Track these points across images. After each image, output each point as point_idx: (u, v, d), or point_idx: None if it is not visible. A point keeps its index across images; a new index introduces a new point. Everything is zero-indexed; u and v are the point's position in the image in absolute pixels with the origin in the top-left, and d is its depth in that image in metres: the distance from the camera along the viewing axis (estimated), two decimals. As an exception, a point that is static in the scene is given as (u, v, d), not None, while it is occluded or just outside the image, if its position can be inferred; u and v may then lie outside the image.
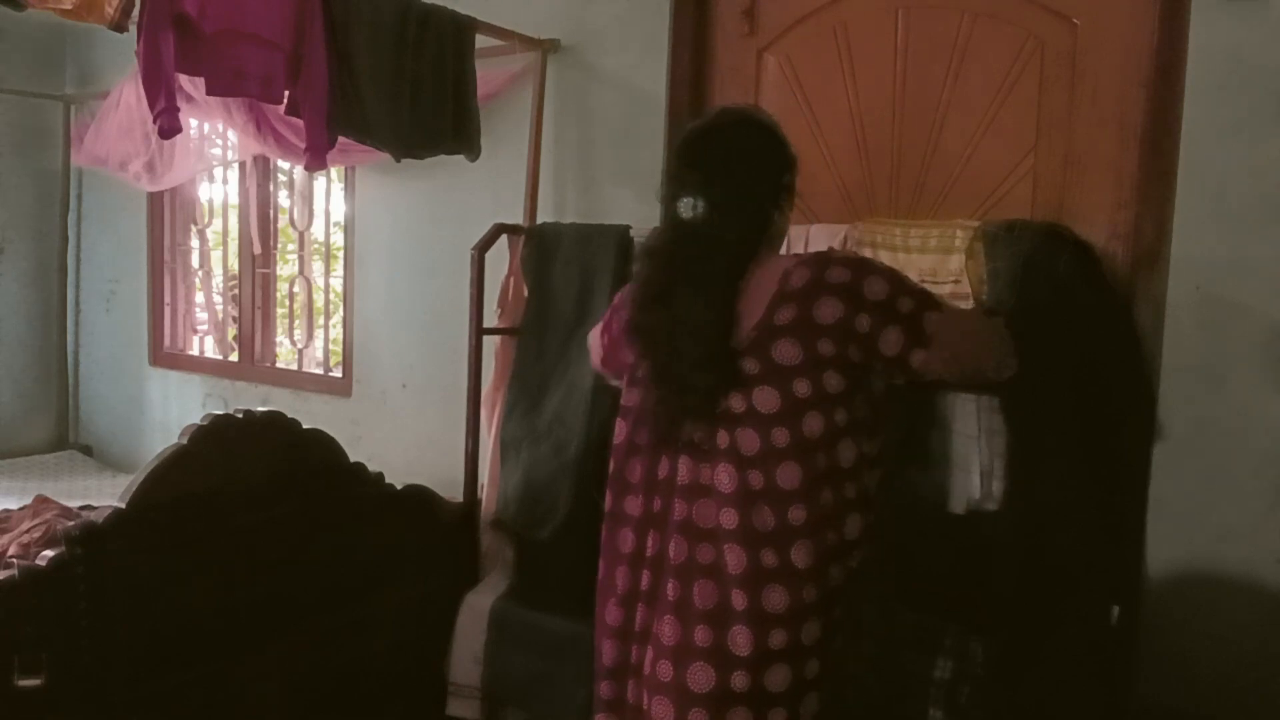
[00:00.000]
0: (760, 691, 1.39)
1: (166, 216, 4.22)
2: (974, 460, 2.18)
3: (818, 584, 1.40)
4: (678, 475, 1.47)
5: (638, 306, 1.55)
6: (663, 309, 1.49)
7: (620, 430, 1.61)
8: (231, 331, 4.16)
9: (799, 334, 1.39)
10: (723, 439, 1.42)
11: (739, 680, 1.38)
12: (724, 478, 1.41)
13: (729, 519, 1.41)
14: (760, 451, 1.40)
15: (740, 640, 1.38)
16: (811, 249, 2.29)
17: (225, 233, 4.07)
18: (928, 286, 2.15)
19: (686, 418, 1.45)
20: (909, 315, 1.41)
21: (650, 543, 1.49)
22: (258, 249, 3.83)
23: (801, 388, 1.38)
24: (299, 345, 3.85)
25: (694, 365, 1.43)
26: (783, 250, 1.67)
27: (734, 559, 1.40)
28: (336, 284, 3.80)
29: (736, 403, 1.42)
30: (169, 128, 2.10)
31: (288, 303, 3.91)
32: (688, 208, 1.50)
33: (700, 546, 1.43)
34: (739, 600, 1.39)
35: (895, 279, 1.45)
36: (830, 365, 1.39)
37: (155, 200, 4.19)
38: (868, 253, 2.24)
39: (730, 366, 1.42)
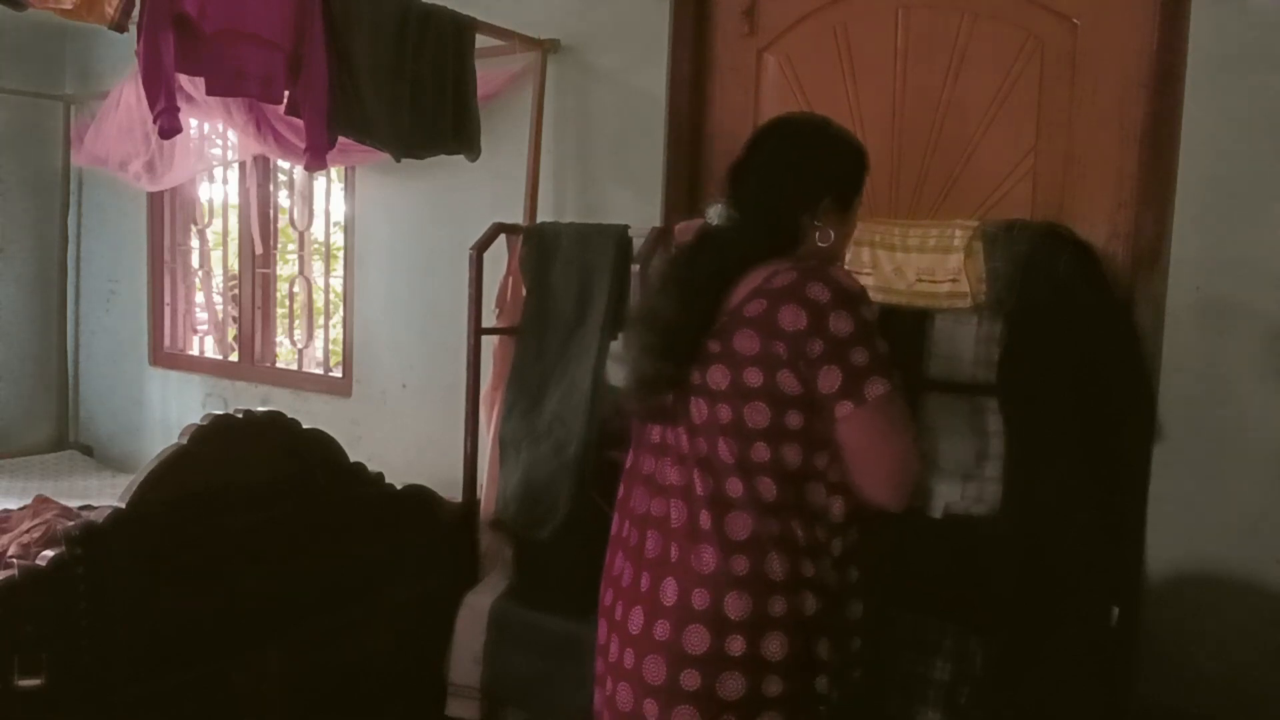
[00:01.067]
0: (710, 695, 1.36)
1: (166, 216, 4.22)
2: (974, 460, 2.18)
3: (750, 560, 1.36)
4: (644, 468, 1.50)
5: (637, 306, 1.57)
6: (647, 304, 1.51)
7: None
8: (231, 331, 4.16)
9: (759, 329, 1.37)
10: (682, 409, 1.43)
11: (689, 679, 1.37)
12: (682, 441, 1.43)
13: (675, 475, 1.43)
14: (704, 422, 1.40)
15: (667, 591, 1.39)
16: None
17: (225, 233, 4.07)
18: (926, 286, 2.18)
19: (653, 415, 1.47)
20: (858, 368, 1.35)
21: (631, 534, 1.51)
22: (258, 249, 3.83)
23: (752, 377, 1.36)
24: (299, 345, 3.85)
25: (654, 355, 1.44)
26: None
27: (675, 515, 1.41)
28: (336, 284, 3.80)
29: (695, 377, 1.42)
30: (169, 128, 2.10)
31: (288, 303, 3.91)
32: (715, 214, 1.49)
33: (654, 500, 1.46)
34: (673, 553, 1.40)
35: (865, 329, 1.37)
36: (784, 366, 1.36)
37: (155, 200, 4.19)
38: (866, 253, 2.24)
39: (688, 354, 1.42)
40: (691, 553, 1.38)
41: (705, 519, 1.38)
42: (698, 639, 1.36)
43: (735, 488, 1.37)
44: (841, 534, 1.41)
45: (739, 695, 1.35)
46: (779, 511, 1.37)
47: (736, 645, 1.35)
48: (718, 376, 1.39)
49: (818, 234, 1.48)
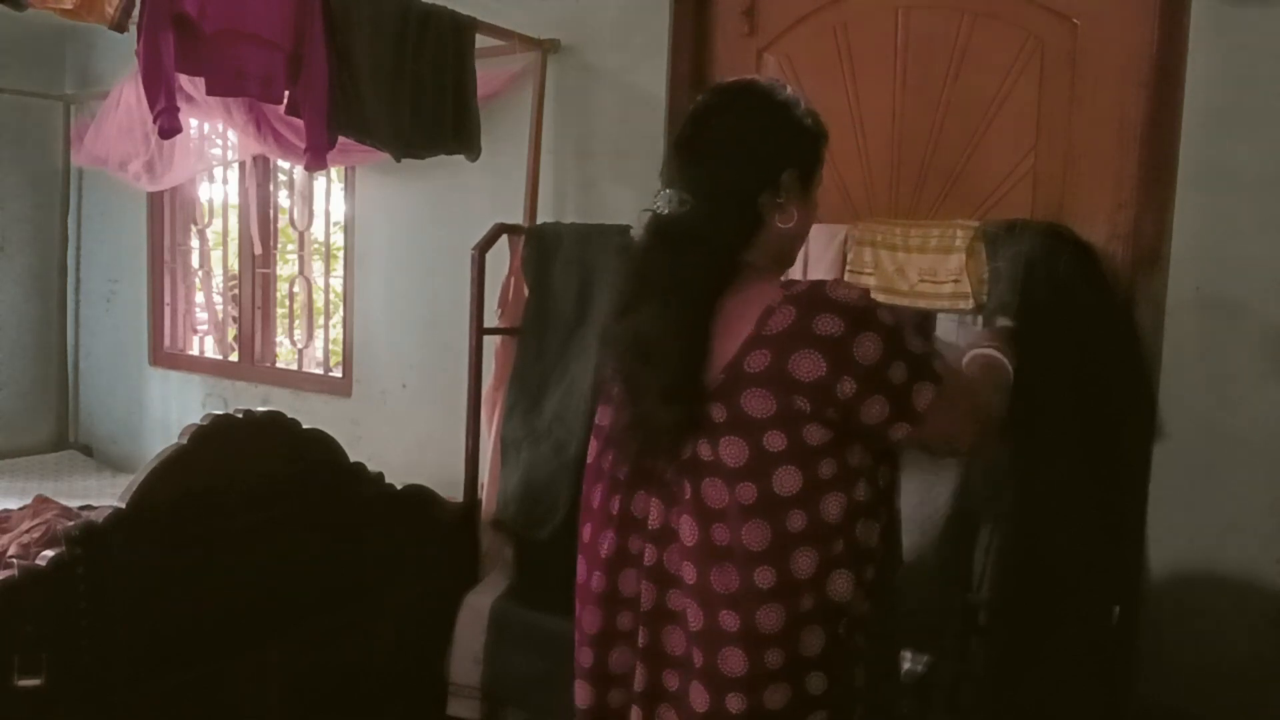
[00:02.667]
0: None
1: (166, 216, 4.22)
2: (973, 460, 2.18)
3: (786, 649, 1.21)
4: (650, 517, 1.31)
5: (610, 315, 1.39)
6: (629, 324, 1.30)
7: (591, 449, 1.43)
8: (231, 331, 4.16)
9: (772, 386, 1.19)
10: (686, 489, 1.25)
11: None
12: (686, 529, 1.25)
13: (689, 573, 1.25)
14: (726, 507, 1.21)
15: (696, 698, 1.25)
16: (811, 249, 2.30)
17: (225, 233, 4.07)
18: (928, 287, 2.18)
19: (656, 457, 1.28)
20: (900, 386, 1.20)
21: (623, 584, 1.35)
22: (258, 249, 3.83)
23: (775, 440, 1.19)
24: (299, 345, 3.85)
25: (659, 398, 1.25)
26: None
27: (693, 615, 1.25)
28: (336, 284, 3.80)
29: (704, 450, 1.23)
30: (169, 128, 2.10)
31: (288, 303, 3.91)
32: (667, 201, 1.29)
33: (670, 593, 1.29)
34: (696, 658, 1.26)
35: (892, 337, 1.20)
36: (810, 420, 1.19)
37: (155, 200, 4.19)
38: (867, 253, 2.24)
39: (698, 406, 1.23)
40: (717, 656, 1.23)
41: (730, 621, 1.21)
42: (699, 697, 1.25)
43: (765, 578, 1.20)
44: (873, 561, 1.27)
45: None
46: (813, 587, 1.22)
47: (735, 703, 1.22)
48: (734, 451, 1.20)
49: (779, 215, 1.29)
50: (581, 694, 1.40)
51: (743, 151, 1.30)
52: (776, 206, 1.30)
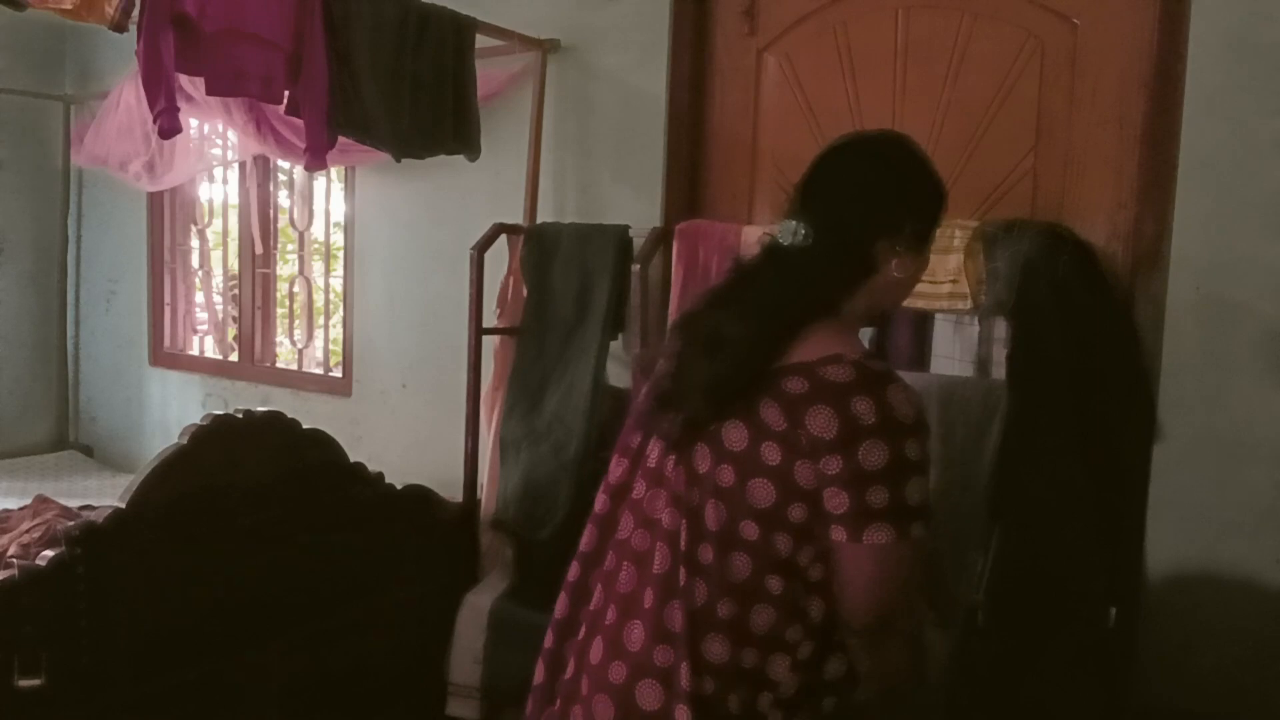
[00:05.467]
0: None
1: (166, 216, 4.22)
2: (973, 460, 2.18)
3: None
4: (635, 491, 1.37)
5: (694, 305, 1.42)
6: (711, 318, 1.34)
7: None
8: (231, 331, 4.16)
9: (787, 412, 1.22)
10: (686, 449, 1.29)
11: None
12: (667, 510, 1.29)
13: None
14: (705, 473, 1.27)
15: (646, 693, 1.28)
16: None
17: (225, 233, 4.07)
18: (926, 287, 2.17)
19: (663, 430, 1.33)
20: (868, 506, 1.19)
21: (610, 558, 1.40)
22: (258, 249, 3.83)
23: (770, 454, 1.22)
24: (299, 345, 3.85)
25: (704, 386, 1.28)
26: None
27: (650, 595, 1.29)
28: (336, 284, 3.80)
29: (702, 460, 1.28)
30: (169, 128, 2.10)
31: (288, 303, 3.91)
32: (789, 232, 1.32)
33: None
34: (661, 656, 1.28)
35: (898, 467, 1.19)
36: (805, 458, 1.21)
37: (155, 200, 4.19)
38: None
39: (728, 408, 1.26)
40: (666, 605, 1.26)
41: (683, 575, 1.25)
42: (650, 694, 1.26)
43: (706, 554, 1.24)
44: (816, 637, 1.27)
45: None
46: (748, 596, 1.24)
47: (681, 714, 1.24)
48: (735, 435, 1.25)
49: (895, 263, 1.32)
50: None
51: (868, 196, 1.34)
52: (892, 254, 1.33)
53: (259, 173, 3.81)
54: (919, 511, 1.22)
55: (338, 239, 3.73)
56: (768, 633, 1.24)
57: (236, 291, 4.05)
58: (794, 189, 1.38)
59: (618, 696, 1.29)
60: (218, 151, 3.88)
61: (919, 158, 1.41)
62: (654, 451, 1.36)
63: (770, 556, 1.24)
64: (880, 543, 1.20)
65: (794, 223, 1.32)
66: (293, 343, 3.88)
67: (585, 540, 1.44)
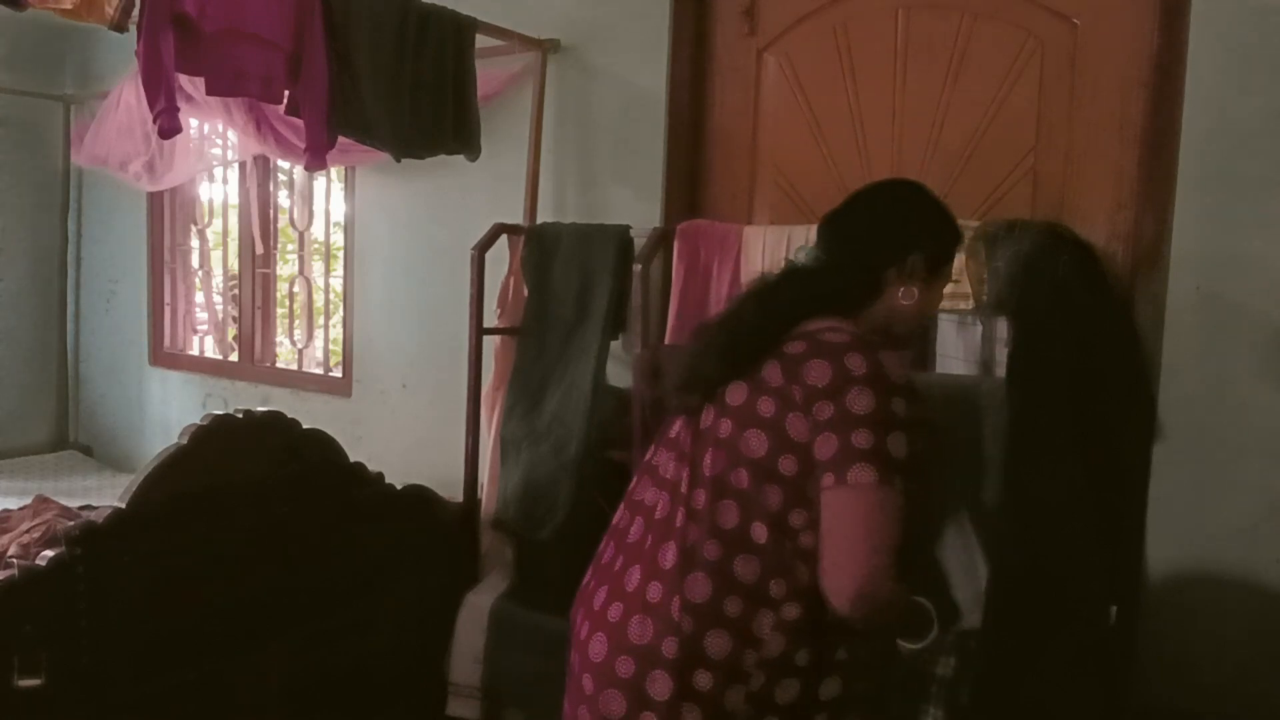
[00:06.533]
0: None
1: (166, 216, 4.22)
2: (973, 460, 2.18)
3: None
4: (655, 459, 1.50)
5: (724, 306, 1.60)
6: (731, 309, 1.51)
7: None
8: (231, 331, 4.16)
9: (786, 368, 1.35)
10: (695, 413, 1.43)
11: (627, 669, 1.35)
12: (673, 463, 1.43)
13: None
14: (707, 428, 1.40)
15: (635, 629, 1.37)
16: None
17: (225, 233, 4.07)
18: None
19: (682, 409, 1.47)
20: (854, 447, 1.25)
21: (623, 517, 1.51)
22: (258, 249, 3.83)
23: (765, 406, 1.34)
24: (299, 345, 3.85)
25: (719, 351, 1.44)
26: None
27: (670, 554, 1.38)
28: (336, 284, 3.80)
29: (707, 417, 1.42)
30: (169, 128, 2.10)
31: (288, 303, 3.91)
32: (804, 256, 1.52)
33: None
34: (653, 592, 1.37)
35: (883, 416, 1.27)
36: (798, 410, 1.31)
37: (155, 200, 4.19)
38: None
39: (749, 358, 1.39)
40: (661, 546, 1.37)
41: (680, 517, 1.36)
42: (639, 630, 1.34)
43: (699, 499, 1.35)
44: (801, 600, 1.30)
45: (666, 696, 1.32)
46: (734, 542, 1.32)
47: (669, 645, 1.31)
48: (736, 394, 1.38)
49: (901, 290, 1.46)
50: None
51: (879, 226, 1.50)
52: (900, 282, 1.46)
53: (259, 173, 3.81)
54: (903, 464, 1.28)
55: (338, 239, 3.73)
56: (753, 585, 1.31)
57: (236, 291, 4.05)
58: (819, 225, 1.55)
59: (612, 633, 1.37)
60: (218, 151, 3.88)
61: (931, 199, 1.54)
62: (675, 425, 1.49)
63: (759, 505, 1.32)
64: (864, 481, 1.26)
65: (812, 249, 1.51)
66: (293, 343, 3.88)
67: (616, 516, 1.54)
